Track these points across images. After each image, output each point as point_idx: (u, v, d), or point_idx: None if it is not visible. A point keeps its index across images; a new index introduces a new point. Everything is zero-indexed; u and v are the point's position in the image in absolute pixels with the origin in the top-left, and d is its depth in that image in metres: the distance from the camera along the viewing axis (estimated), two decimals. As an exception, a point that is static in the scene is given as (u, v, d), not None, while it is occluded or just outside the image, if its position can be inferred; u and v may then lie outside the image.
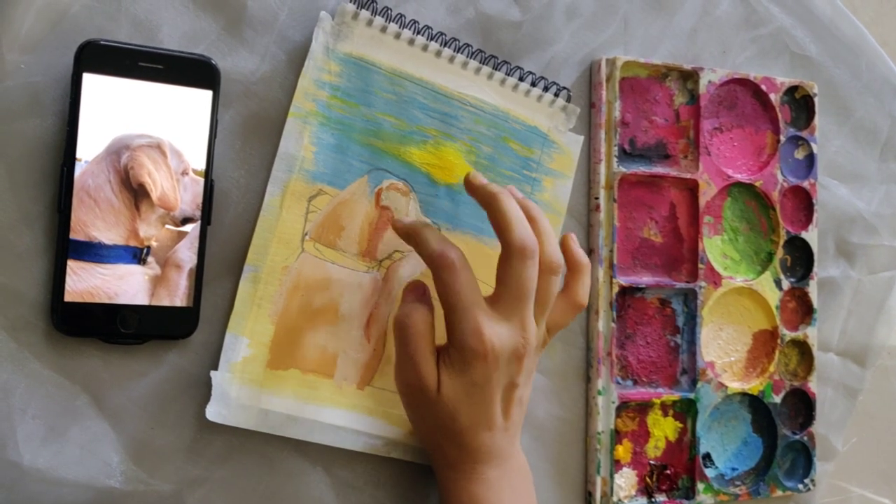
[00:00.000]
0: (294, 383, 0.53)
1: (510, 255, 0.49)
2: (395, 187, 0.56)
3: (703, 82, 0.65)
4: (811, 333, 0.69)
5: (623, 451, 0.63)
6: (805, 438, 0.69)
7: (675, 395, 0.64)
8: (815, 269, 0.69)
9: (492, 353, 0.49)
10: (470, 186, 0.52)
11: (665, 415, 0.64)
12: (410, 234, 0.52)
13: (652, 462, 0.64)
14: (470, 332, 0.48)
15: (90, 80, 0.47)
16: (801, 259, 0.70)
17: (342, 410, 0.54)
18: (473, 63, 0.57)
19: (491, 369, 0.49)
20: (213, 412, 0.50)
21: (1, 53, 0.47)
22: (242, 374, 0.51)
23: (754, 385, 0.67)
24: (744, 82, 0.67)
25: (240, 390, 0.51)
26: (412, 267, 0.56)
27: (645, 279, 0.63)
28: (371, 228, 0.55)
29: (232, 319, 0.51)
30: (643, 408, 0.63)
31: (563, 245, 0.56)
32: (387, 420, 0.55)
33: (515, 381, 0.51)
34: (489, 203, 0.51)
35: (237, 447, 0.52)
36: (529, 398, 0.60)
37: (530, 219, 0.51)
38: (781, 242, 0.68)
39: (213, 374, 0.50)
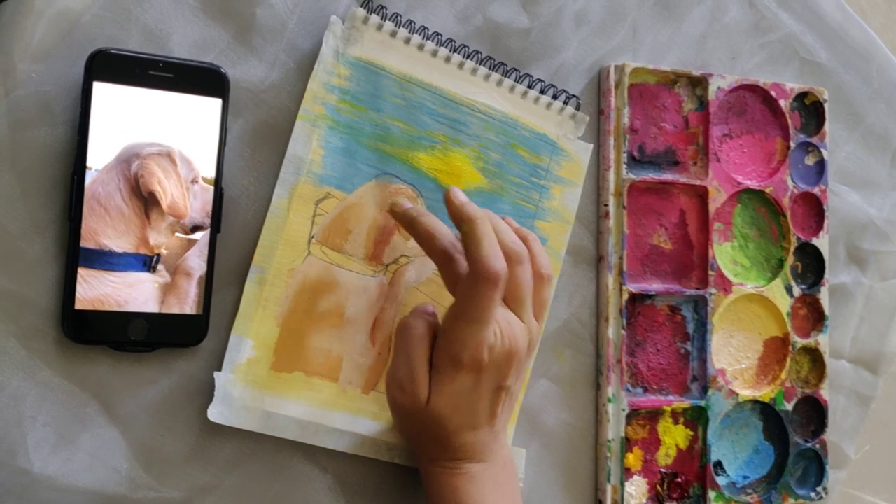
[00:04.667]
0: (298, 386, 0.53)
1: (478, 279, 0.48)
2: (403, 192, 0.56)
3: (712, 89, 0.65)
4: (822, 340, 0.69)
5: (633, 458, 0.62)
6: (817, 446, 0.68)
7: (685, 403, 0.63)
8: (827, 275, 0.69)
9: (484, 366, 0.49)
10: (449, 204, 0.50)
11: (676, 422, 0.64)
12: (465, 221, 0.49)
13: (663, 470, 0.63)
14: (474, 344, 0.48)
15: (101, 89, 0.47)
16: (811, 266, 0.69)
17: (346, 414, 0.54)
18: (483, 70, 0.57)
19: (482, 376, 0.49)
20: (215, 413, 0.50)
21: (13, 63, 0.47)
22: (246, 376, 0.51)
23: (765, 392, 0.66)
24: (753, 88, 0.67)
25: (243, 391, 0.51)
26: (418, 272, 0.56)
27: (655, 286, 0.63)
28: (378, 233, 0.55)
29: (237, 321, 0.51)
30: (653, 415, 0.63)
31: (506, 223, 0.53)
32: (391, 425, 0.55)
33: (503, 384, 0.50)
34: (466, 228, 0.49)
35: (247, 454, 0.52)
36: (540, 405, 0.60)
37: (468, 221, 0.49)
38: (792, 249, 0.68)
39: (216, 374, 0.50)
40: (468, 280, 0.48)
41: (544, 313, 0.55)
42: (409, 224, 0.52)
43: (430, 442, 0.51)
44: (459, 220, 0.49)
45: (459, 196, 0.50)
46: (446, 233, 0.51)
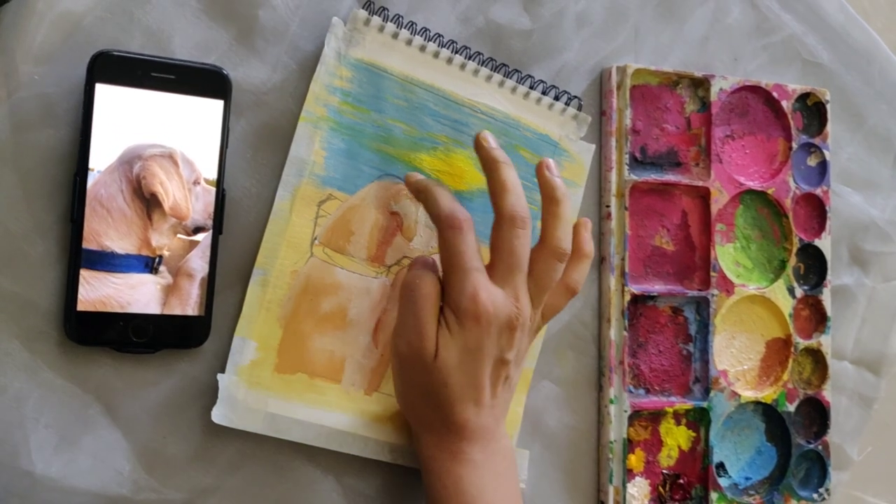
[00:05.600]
0: (301, 387, 0.53)
1: (501, 224, 0.51)
2: (405, 194, 0.56)
3: (714, 90, 0.65)
4: (825, 342, 0.69)
5: (636, 460, 0.62)
6: (819, 447, 0.68)
7: (687, 404, 0.63)
8: (829, 276, 0.69)
9: (485, 317, 0.49)
10: (478, 146, 0.53)
11: (678, 423, 0.64)
12: (421, 191, 0.53)
13: (665, 471, 0.63)
14: (468, 293, 0.49)
15: (103, 91, 0.47)
16: (814, 267, 0.69)
17: (350, 416, 0.54)
18: (484, 70, 0.57)
19: (483, 334, 0.49)
20: (218, 415, 0.50)
21: (15, 65, 0.47)
22: (250, 378, 0.51)
23: (768, 394, 0.66)
24: (755, 89, 0.67)
25: (246, 393, 0.51)
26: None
27: (657, 287, 0.63)
28: (380, 234, 0.55)
29: (240, 323, 0.51)
30: (656, 416, 0.63)
31: (574, 230, 0.55)
32: (395, 426, 0.55)
33: (505, 357, 0.50)
34: (490, 168, 0.52)
35: (248, 455, 0.52)
36: (542, 407, 0.60)
37: (552, 200, 0.52)
38: (794, 250, 0.68)
39: (219, 376, 0.50)
40: (495, 227, 0.51)
41: (545, 293, 0.53)
42: (422, 192, 0.54)
43: (434, 411, 0.50)
44: (486, 164, 0.52)
45: (489, 140, 0.53)
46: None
